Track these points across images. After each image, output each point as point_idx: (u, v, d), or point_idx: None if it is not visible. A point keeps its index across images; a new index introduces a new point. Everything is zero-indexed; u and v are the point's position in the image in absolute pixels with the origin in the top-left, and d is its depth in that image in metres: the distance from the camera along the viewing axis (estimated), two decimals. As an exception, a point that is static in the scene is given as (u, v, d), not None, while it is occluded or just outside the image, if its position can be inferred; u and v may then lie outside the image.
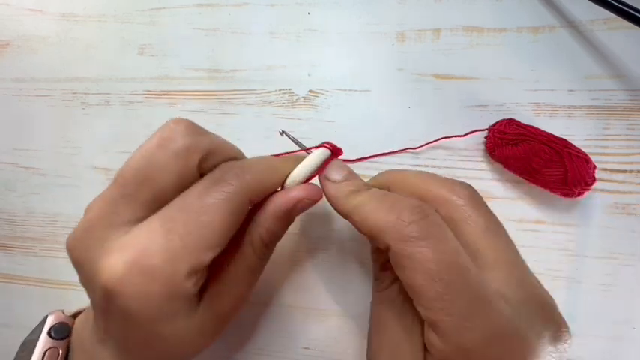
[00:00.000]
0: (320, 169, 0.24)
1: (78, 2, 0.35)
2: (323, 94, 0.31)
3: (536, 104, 0.28)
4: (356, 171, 0.24)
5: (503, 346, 0.18)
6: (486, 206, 0.22)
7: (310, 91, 0.31)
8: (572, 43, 0.28)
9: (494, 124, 0.28)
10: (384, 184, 0.24)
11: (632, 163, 0.27)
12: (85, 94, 0.34)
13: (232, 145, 0.23)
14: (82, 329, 0.23)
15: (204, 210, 0.19)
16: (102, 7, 0.34)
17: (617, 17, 0.26)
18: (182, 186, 0.20)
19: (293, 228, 0.29)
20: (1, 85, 0.35)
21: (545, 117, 0.28)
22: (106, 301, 0.19)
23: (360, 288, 0.29)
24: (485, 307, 0.18)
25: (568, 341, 0.19)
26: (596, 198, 0.27)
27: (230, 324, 0.30)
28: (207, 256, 0.19)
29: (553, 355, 0.19)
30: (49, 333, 0.23)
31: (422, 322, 0.20)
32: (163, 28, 0.33)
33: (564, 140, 0.26)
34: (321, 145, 0.24)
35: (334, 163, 0.24)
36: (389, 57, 0.30)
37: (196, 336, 0.21)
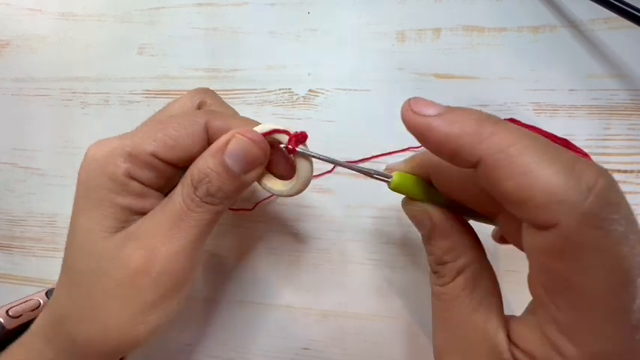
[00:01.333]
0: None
1: (77, 2, 0.35)
2: (323, 93, 0.31)
3: (537, 104, 0.28)
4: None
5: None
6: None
7: (310, 90, 0.31)
8: (573, 43, 0.28)
9: None
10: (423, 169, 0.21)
11: (632, 163, 0.27)
12: (85, 93, 0.34)
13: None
14: None
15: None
16: (101, 7, 0.34)
17: (618, 17, 0.26)
18: None
19: (293, 228, 0.29)
20: (1, 85, 0.35)
21: (545, 117, 0.28)
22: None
23: (360, 288, 0.29)
24: (581, 163, 0.14)
25: None
26: (596, 198, 0.27)
27: (230, 324, 0.30)
28: (145, 145, 0.21)
29: None
30: (46, 292, 0.25)
31: (498, 316, 0.18)
32: (163, 28, 0.33)
33: (565, 140, 0.26)
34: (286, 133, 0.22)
35: (417, 99, 0.19)
36: (389, 57, 0.30)
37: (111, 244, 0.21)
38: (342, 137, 0.30)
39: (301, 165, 0.22)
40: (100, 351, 0.21)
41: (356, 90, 0.30)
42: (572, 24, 0.28)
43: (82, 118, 0.33)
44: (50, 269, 0.33)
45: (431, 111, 0.18)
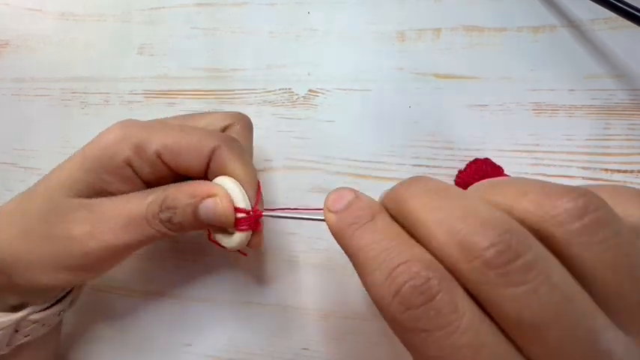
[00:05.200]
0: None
1: (77, 2, 0.35)
2: (323, 93, 0.31)
3: (537, 104, 0.28)
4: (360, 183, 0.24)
5: None
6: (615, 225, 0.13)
7: (310, 90, 0.31)
8: (573, 43, 0.28)
9: (464, 169, 0.28)
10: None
11: (632, 163, 0.27)
12: (85, 93, 0.34)
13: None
14: None
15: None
16: (101, 7, 0.34)
17: (618, 16, 0.26)
18: None
19: (293, 228, 0.29)
20: (1, 85, 0.35)
21: (545, 117, 0.28)
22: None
23: (360, 288, 0.29)
24: None
25: None
26: (596, 198, 0.27)
27: (230, 324, 0.30)
28: (154, 143, 0.23)
29: None
30: None
31: None
32: (163, 28, 0.33)
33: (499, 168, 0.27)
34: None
35: (335, 190, 0.18)
36: (389, 57, 0.30)
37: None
38: (342, 137, 0.30)
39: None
40: (17, 284, 0.23)
41: (356, 90, 0.30)
42: (572, 24, 0.28)
43: (82, 118, 0.33)
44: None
45: (337, 205, 0.17)
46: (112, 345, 0.31)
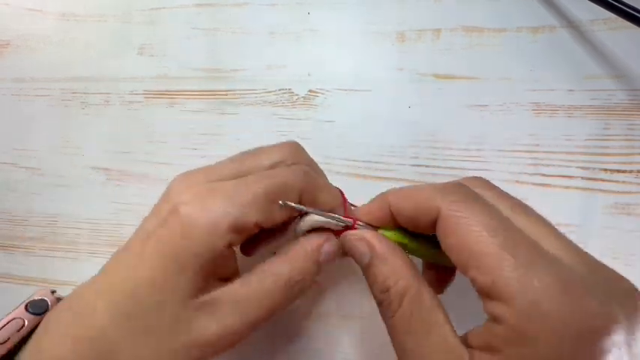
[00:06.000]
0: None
1: (77, 2, 0.35)
2: (323, 94, 0.31)
3: (536, 104, 0.28)
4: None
5: (576, 304, 0.15)
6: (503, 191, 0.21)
7: (310, 91, 0.31)
8: (572, 43, 0.28)
9: None
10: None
11: (632, 163, 0.27)
12: (85, 93, 0.34)
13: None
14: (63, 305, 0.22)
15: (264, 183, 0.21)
16: (101, 7, 0.34)
17: (617, 17, 0.26)
18: None
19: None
20: (1, 85, 0.35)
21: (545, 117, 0.28)
22: (170, 213, 0.20)
23: (360, 288, 0.29)
24: (548, 257, 0.17)
25: None
26: (596, 198, 0.27)
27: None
28: (251, 216, 0.20)
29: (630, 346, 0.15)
30: (25, 306, 0.22)
31: (452, 329, 0.19)
32: (163, 28, 0.33)
33: None
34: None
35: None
36: (389, 57, 0.30)
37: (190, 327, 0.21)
38: (342, 137, 0.30)
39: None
40: None
41: (356, 90, 0.30)
42: (571, 24, 0.28)
43: (82, 119, 0.33)
44: (51, 269, 0.33)
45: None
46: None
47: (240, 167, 0.23)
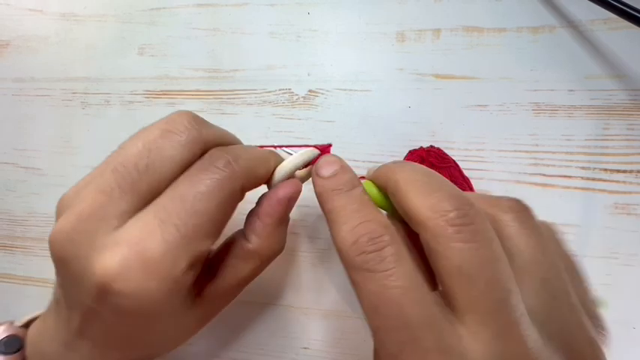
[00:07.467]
0: (309, 164, 0.25)
1: (78, 2, 0.35)
2: (323, 94, 0.31)
3: (536, 104, 0.28)
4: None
5: None
6: (537, 226, 0.19)
7: (310, 91, 0.31)
8: (572, 43, 0.28)
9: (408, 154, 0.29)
10: (382, 183, 0.21)
11: (632, 163, 0.27)
12: (85, 94, 0.34)
13: (233, 136, 0.24)
14: (38, 339, 0.22)
15: (198, 198, 0.18)
16: (102, 7, 0.34)
17: (618, 17, 0.26)
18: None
19: (292, 228, 0.29)
20: (1, 85, 0.35)
21: (545, 117, 0.28)
22: (99, 300, 0.18)
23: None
24: (514, 331, 0.16)
25: None
26: (596, 198, 0.27)
27: (230, 324, 0.30)
28: (205, 246, 0.19)
29: None
30: None
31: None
32: (163, 28, 0.33)
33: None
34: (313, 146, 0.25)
35: (325, 157, 0.22)
36: (389, 57, 0.30)
37: (185, 330, 0.22)
38: (342, 137, 0.30)
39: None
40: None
41: (356, 90, 0.30)
42: (571, 24, 0.28)
43: (82, 119, 0.33)
44: (51, 269, 0.33)
45: (325, 172, 0.21)
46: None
47: (135, 189, 0.19)
